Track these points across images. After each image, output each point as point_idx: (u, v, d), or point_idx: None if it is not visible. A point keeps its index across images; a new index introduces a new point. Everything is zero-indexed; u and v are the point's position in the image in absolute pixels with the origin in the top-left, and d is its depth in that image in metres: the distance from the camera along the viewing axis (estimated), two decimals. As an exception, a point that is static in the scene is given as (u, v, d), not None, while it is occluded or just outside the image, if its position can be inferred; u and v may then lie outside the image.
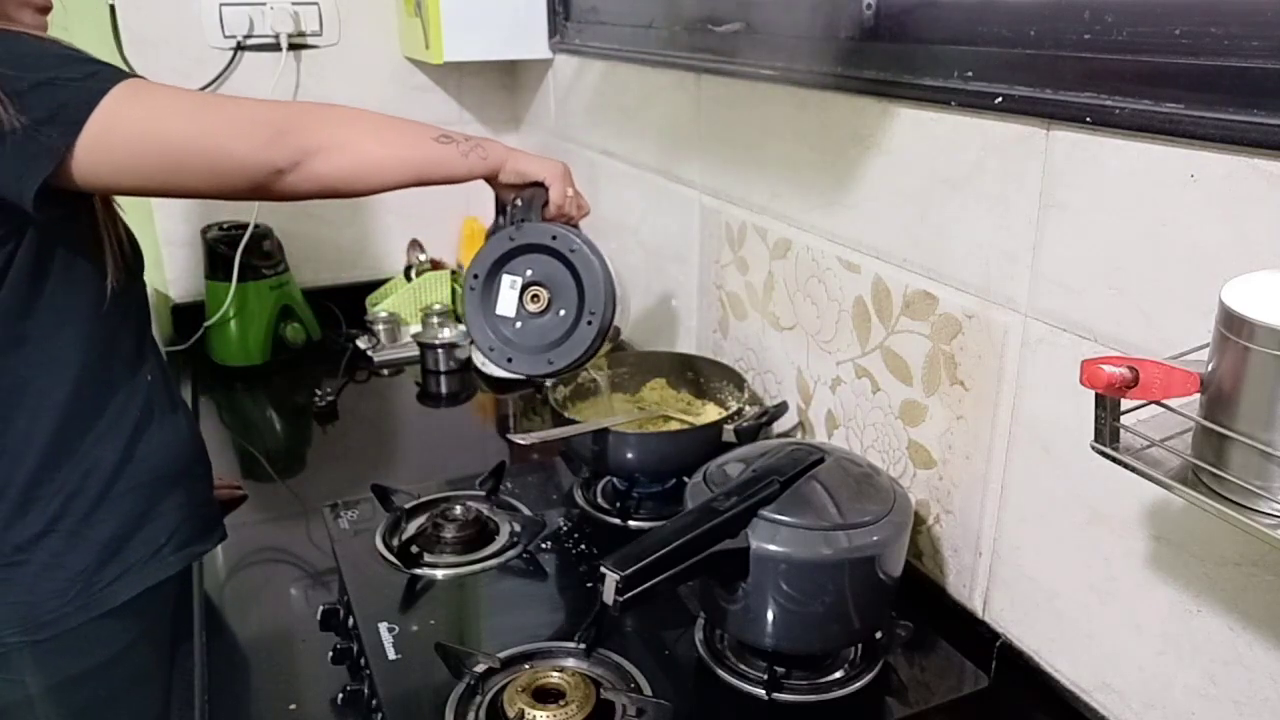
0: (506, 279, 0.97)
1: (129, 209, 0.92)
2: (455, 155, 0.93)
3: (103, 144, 0.74)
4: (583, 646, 0.88)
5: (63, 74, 0.74)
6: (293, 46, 1.76)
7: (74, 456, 0.86)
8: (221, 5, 1.69)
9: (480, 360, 1.67)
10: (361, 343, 1.77)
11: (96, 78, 0.75)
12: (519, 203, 0.97)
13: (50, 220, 0.78)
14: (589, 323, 0.95)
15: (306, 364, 1.73)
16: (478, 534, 1.07)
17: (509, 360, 0.97)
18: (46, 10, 0.84)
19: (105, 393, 0.88)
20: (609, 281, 0.95)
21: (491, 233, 0.99)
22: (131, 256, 0.91)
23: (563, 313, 0.96)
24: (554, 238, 0.95)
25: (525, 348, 0.97)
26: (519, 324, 0.97)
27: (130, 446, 0.89)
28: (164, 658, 0.96)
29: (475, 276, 0.97)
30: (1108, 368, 0.54)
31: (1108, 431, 0.57)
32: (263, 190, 0.83)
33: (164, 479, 0.93)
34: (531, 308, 0.96)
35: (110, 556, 0.88)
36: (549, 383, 1.21)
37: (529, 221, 0.96)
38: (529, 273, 0.96)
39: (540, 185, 0.98)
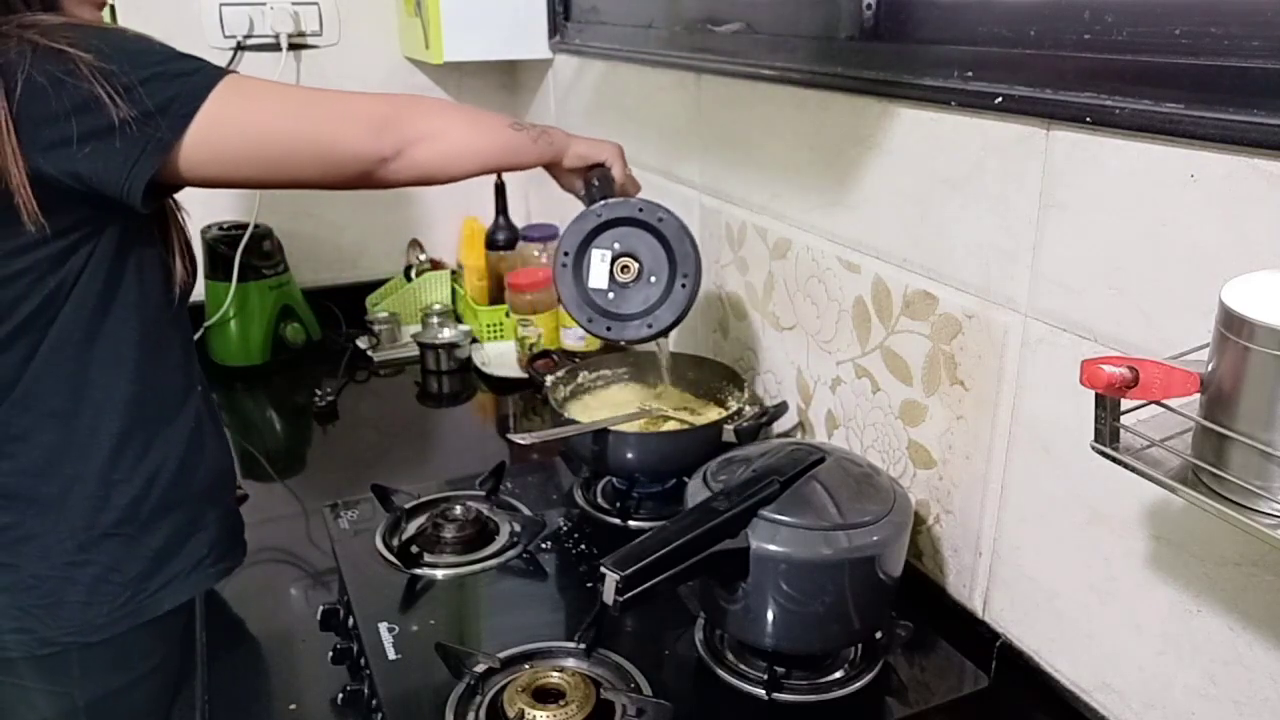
0: (596, 253, 1.01)
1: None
2: (528, 142, 0.96)
3: (211, 138, 0.76)
4: (583, 646, 0.88)
5: (169, 69, 0.76)
6: (293, 46, 1.76)
7: (140, 462, 0.87)
8: (221, 5, 1.69)
9: (481, 360, 1.67)
10: (361, 343, 1.77)
11: (201, 73, 0.77)
12: (596, 183, 1.02)
13: (129, 220, 0.79)
14: (683, 285, 1.00)
15: (306, 364, 1.73)
16: (478, 534, 1.07)
17: (608, 329, 1.02)
18: (102, 5, 0.86)
19: (162, 399, 0.89)
20: (695, 244, 1.00)
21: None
22: (192, 266, 0.92)
23: (654, 279, 1.01)
24: (640, 209, 1.00)
25: (622, 315, 1.02)
26: (611, 294, 1.01)
27: (187, 457, 0.91)
28: (192, 666, 0.97)
29: (566, 254, 1.00)
30: (1108, 368, 0.54)
31: (1108, 431, 0.57)
32: (367, 178, 0.86)
33: (210, 491, 0.94)
34: (622, 278, 1.01)
35: (159, 566, 0.89)
36: (549, 382, 1.21)
37: (609, 198, 1.00)
38: (616, 245, 1.01)
39: (602, 166, 1.03)
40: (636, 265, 1.01)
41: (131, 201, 0.75)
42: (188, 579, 0.92)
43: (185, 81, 0.76)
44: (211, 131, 0.76)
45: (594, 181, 1.02)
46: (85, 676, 0.88)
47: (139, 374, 0.86)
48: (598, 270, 1.01)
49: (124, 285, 0.83)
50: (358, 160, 0.84)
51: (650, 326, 1.01)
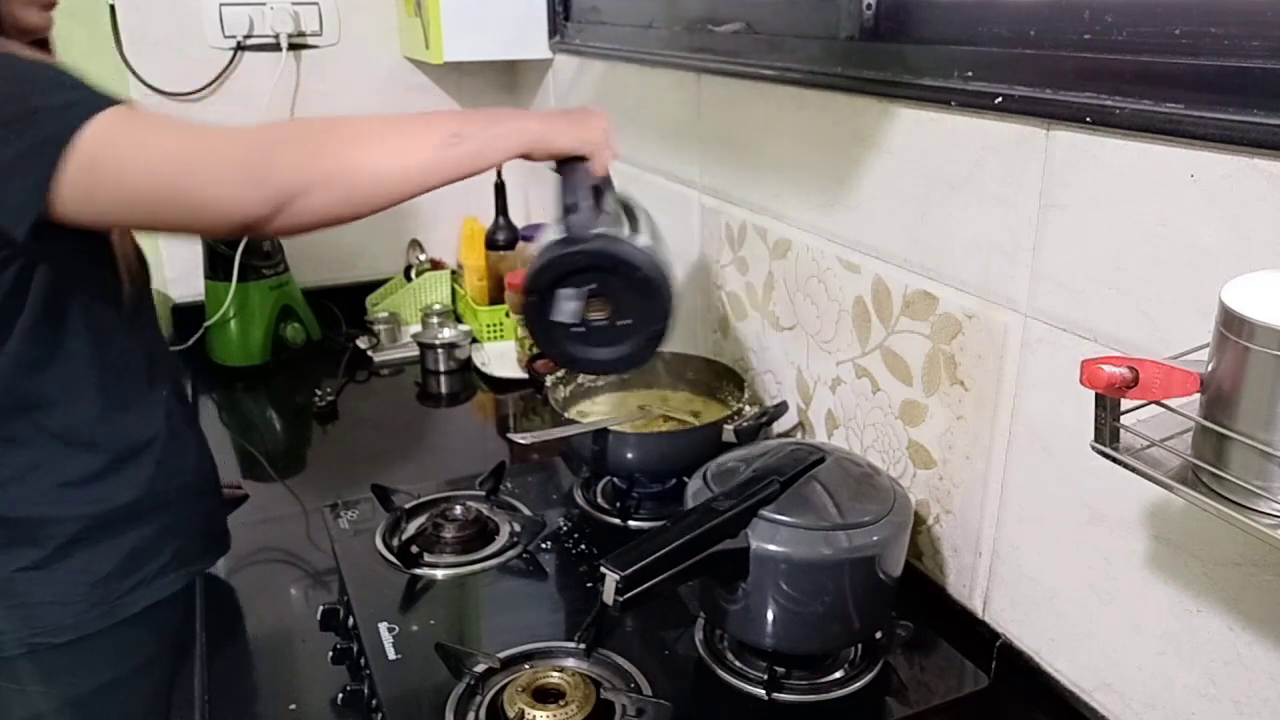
0: (567, 290, 0.93)
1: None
2: (464, 157, 0.80)
3: (83, 179, 0.69)
4: (583, 646, 0.88)
5: (47, 102, 0.70)
6: (293, 46, 1.76)
7: (110, 475, 0.86)
8: (221, 5, 1.69)
9: (481, 360, 1.67)
10: (361, 343, 1.77)
11: (78, 106, 0.69)
12: (585, 202, 0.89)
13: (61, 247, 0.76)
14: (657, 328, 0.94)
15: (306, 364, 1.73)
16: (478, 534, 1.07)
17: (573, 363, 0.97)
18: (51, 6, 0.83)
19: (129, 410, 0.88)
20: (672, 289, 0.94)
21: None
22: (140, 270, 0.90)
23: (629, 321, 0.94)
24: (624, 256, 0.90)
25: (589, 353, 0.95)
26: (580, 330, 0.94)
27: (161, 462, 0.89)
28: (178, 666, 0.96)
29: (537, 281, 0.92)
30: (1108, 368, 0.54)
31: (1108, 431, 0.57)
32: (251, 232, 0.77)
33: (187, 495, 0.93)
34: (594, 315, 0.93)
35: (130, 568, 0.88)
36: (549, 382, 1.21)
37: (601, 227, 0.90)
38: (592, 283, 0.92)
39: (585, 160, 0.88)
40: (609, 304, 0.92)
41: (21, 242, 0.70)
42: (154, 582, 0.90)
43: (58, 117, 0.68)
44: (83, 172, 0.69)
45: (581, 199, 0.89)
46: (60, 676, 0.87)
47: (100, 392, 0.84)
48: (568, 305, 0.92)
49: (70, 305, 0.81)
50: (226, 216, 0.72)
51: (619, 364, 0.97)
